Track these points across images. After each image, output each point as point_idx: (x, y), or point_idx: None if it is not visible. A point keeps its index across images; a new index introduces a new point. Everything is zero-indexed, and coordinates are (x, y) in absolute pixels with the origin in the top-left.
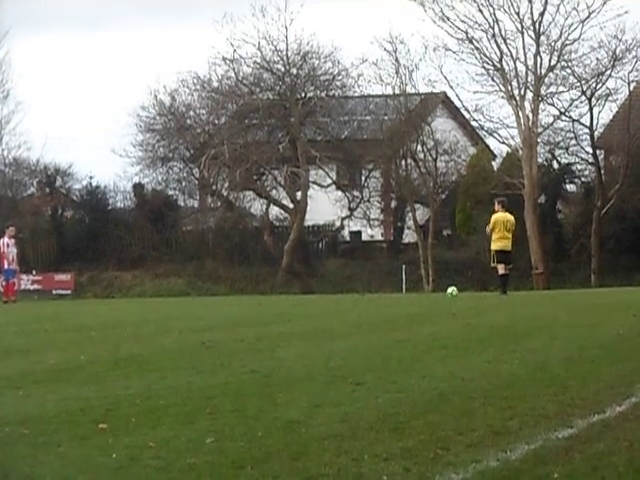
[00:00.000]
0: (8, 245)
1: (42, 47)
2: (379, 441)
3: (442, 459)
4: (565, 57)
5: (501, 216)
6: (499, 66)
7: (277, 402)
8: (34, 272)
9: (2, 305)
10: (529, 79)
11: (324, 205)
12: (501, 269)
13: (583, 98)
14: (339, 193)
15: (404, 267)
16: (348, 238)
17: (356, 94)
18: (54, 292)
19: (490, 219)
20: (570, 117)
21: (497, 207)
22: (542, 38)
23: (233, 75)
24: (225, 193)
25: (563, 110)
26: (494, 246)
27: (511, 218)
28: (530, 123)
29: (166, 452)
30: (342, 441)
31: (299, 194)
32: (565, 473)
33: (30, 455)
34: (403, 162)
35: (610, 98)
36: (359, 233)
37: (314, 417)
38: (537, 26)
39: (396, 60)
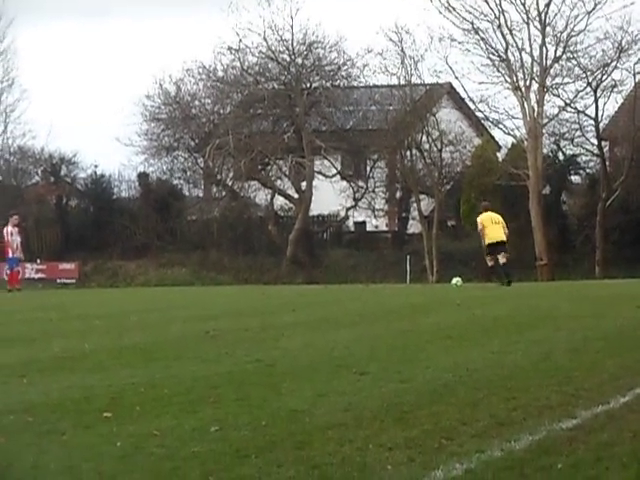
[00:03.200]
0: (12, 234)
1: (48, 35)
2: (383, 431)
3: (446, 449)
4: (571, 48)
5: (486, 214)
6: (505, 57)
7: (281, 391)
8: (38, 261)
9: (6, 294)
10: (534, 70)
11: (329, 195)
12: (490, 261)
13: (588, 89)
14: (344, 183)
15: (408, 257)
16: (353, 228)
17: (361, 84)
18: (58, 281)
19: (478, 220)
20: (575, 108)
21: (482, 210)
22: (548, 29)
23: (238, 65)
24: (230, 183)
25: (568, 101)
26: (487, 240)
27: (496, 214)
28: (535, 114)
29: (170, 440)
30: (346, 430)
31: (304, 184)
32: (569, 463)
33: (34, 443)
34: (408, 152)
35: (615, 89)
36: (364, 223)
37: (318, 406)
38: (543, 17)
39: (402, 50)
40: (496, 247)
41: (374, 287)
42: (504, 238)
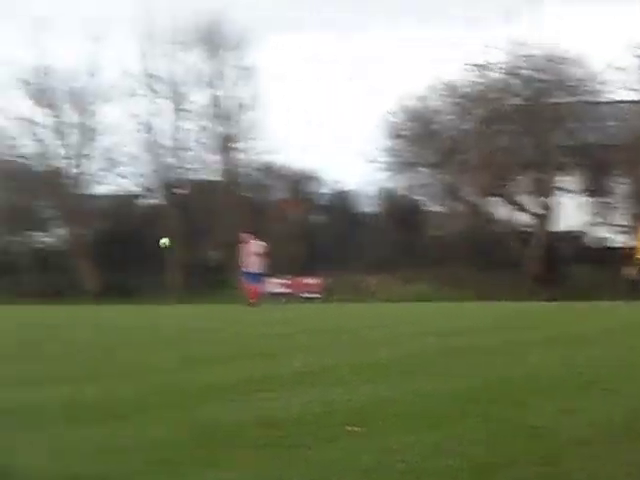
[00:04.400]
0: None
1: (289, 50)
2: (631, 448)
3: None
4: None
5: None
6: None
7: (524, 408)
8: (283, 276)
9: (247, 307)
10: None
11: (571, 211)
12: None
13: None
14: (586, 199)
15: None
16: (596, 245)
17: (605, 100)
18: (303, 295)
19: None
20: None
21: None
22: None
23: (481, 81)
24: (471, 199)
25: None
26: None
27: None
28: None
29: (411, 456)
30: (591, 447)
31: (546, 200)
32: None
33: (279, 457)
34: None
35: None
36: (607, 240)
37: (561, 423)
38: None
39: None
40: None
41: (621, 304)
42: None
